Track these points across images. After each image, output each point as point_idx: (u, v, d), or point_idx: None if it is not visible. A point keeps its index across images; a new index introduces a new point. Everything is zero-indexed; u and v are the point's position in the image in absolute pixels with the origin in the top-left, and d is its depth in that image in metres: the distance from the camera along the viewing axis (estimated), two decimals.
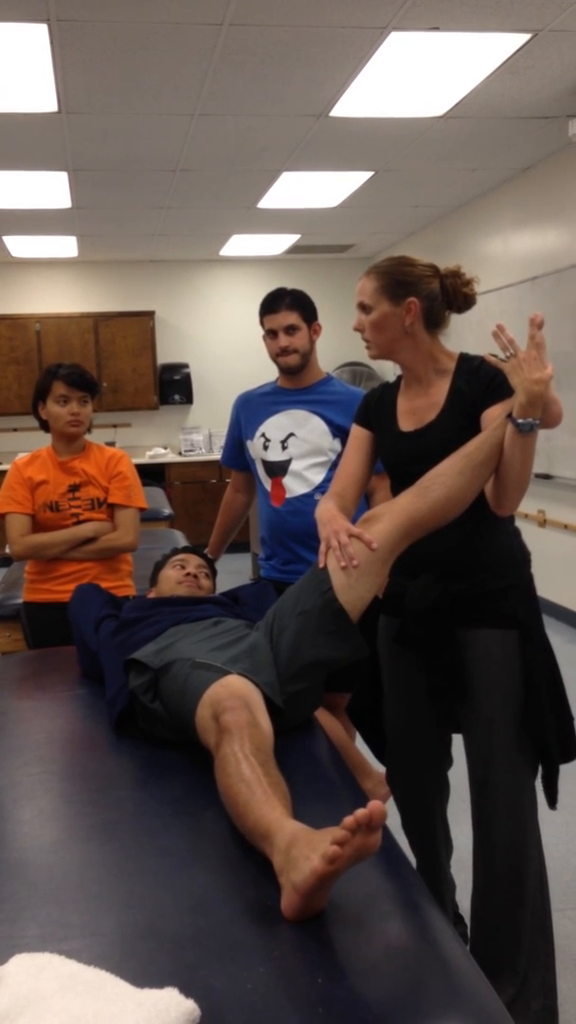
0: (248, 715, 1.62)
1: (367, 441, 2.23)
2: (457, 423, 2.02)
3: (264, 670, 1.91)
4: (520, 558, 2.09)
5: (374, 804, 1.21)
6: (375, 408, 2.23)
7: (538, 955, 2.01)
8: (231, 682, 1.76)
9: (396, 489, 2.13)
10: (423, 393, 2.11)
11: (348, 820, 1.20)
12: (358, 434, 2.26)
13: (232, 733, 1.56)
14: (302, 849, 1.25)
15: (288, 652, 1.96)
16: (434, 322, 2.09)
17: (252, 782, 1.44)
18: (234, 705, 1.65)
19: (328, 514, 2.05)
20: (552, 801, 2.05)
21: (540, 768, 2.05)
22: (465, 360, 2.10)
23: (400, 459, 2.14)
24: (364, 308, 2.09)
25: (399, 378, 2.24)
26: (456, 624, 2.03)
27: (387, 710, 2.23)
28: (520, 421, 1.86)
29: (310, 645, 1.94)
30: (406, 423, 2.13)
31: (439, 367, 2.10)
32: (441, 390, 2.07)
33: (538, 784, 2.05)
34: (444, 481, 1.92)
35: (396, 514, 1.94)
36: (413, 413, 2.12)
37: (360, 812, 1.20)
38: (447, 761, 2.27)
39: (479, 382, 2.02)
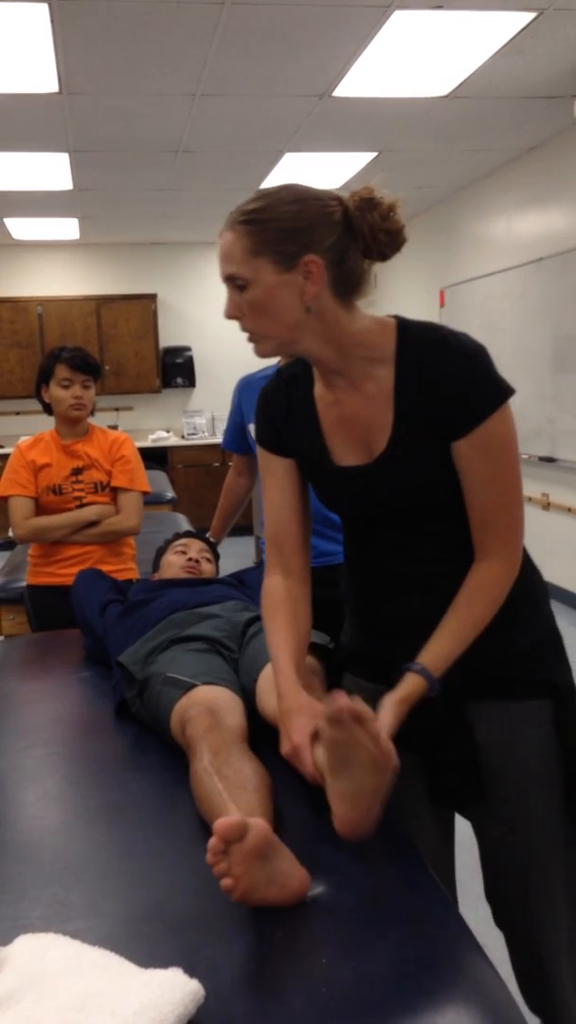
0: (208, 719, 1.63)
1: (289, 470, 1.56)
2: (418, 456, 1.40)
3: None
4: (542, 593, 1.55)
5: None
6: (283, 425, 1.53)
7: None
8: (194, 693, 1.77)
9: (350, 534, 1.58)
10: (353, 393, 1.44)
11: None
12: (272, 465, 1.57)
13: (194, 748, 1.57)
14: None
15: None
16: (349, 285, 1.38)
17: (214, 797, 1.43)
18: (195, 714, 1.66)
19: (291, 702, 1.44)
20: None
21: None
22: (410, 337, 1.40)
23: (338, 501, 1.54)
24: (235, 283, 1.36)
25: (305, 367, 1.51)
26: (469, 698, 1.49)
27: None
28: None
29: None
30: (342, 451, 1.47)
31: (370, 352, 1.41)
32: (381, 391, 1.41)
33: None
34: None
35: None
36: (348, 430, 1.46)
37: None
38: (450, 843, 1.70)
39: (439, 391, 1.37)
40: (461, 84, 4.44)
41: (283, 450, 1.55)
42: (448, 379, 1.36)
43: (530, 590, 1.51)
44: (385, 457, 1.42)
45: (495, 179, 6.47)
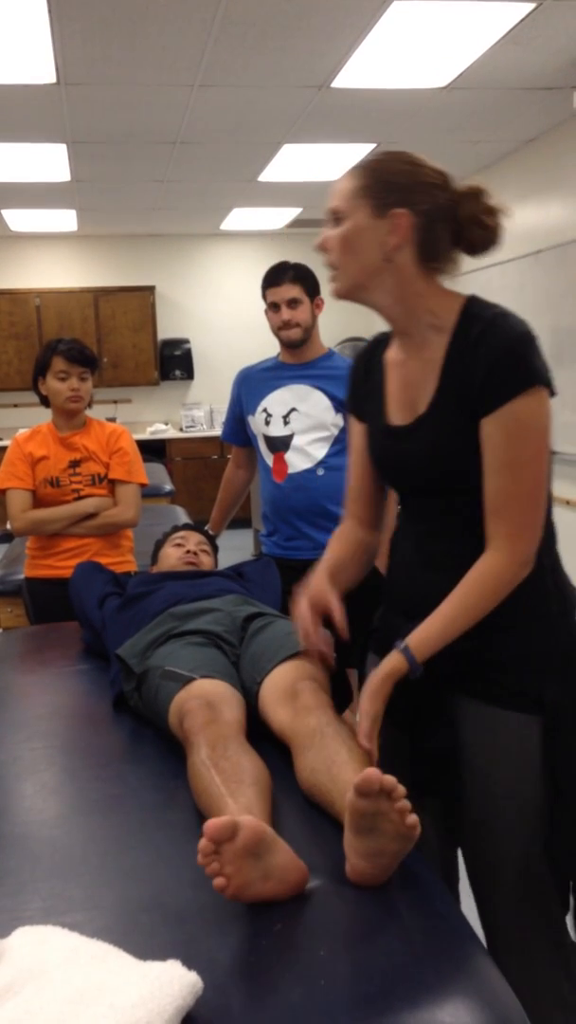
0: (206, 713, 1.63)
1: (363, 435, 1.67)
2: (449, 424, 1.45)
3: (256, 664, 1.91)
4: (558, 608, 1.48)
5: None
6: (363, 384, 1.66)
7: None
8: (192, 687, 1.77)
9: (401, 511, 1.65)
10: (414, 356, 1.51)
11: None
12: (353, 429, 1.72)
13: (191, 741, 1.57)
14: None
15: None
16: (431, 254, 1.46)
17: (211, 790, 1.43)
18: (192, 707, 1.66)
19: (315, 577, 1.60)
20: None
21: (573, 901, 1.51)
22: (473, 312, 1.45)
23: (383, 463, 1.62)
24: (335, 216, 1.48)
25: (389, 335, 1.62)
26: (458, 692, 1.50)
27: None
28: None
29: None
30: (394, 410, 1.55)
31: (435, 320, 1.47)
32: (434, 358, 1.47)
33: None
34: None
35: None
36: (405, 390, 1.54)
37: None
38: (451, 842, 1.69)
39: (477, 365, 1.41)
40: (460, 75, 4.43)
41: (359, 412, 1.67)
42: (485, 355, 1.40)
43: (542, 599, 1.47)
44: (422, 420, 1.49)
45: (494, 171, 6.45)
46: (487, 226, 1.46)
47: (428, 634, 1.43)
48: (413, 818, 1.22)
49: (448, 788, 1.52)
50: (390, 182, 1.44)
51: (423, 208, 1.43)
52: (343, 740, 1.51)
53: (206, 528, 3.09)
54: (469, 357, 1.42)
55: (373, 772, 1.21)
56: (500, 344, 1.40)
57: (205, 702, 1.68)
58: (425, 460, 1.49)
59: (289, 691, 1.73)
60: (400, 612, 1.58)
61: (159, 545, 2.72)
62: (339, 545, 1.72)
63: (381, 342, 1.63)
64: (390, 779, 1.21)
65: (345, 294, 1.50)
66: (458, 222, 1.46)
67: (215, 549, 2.74)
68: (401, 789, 1.22)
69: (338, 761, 1.46)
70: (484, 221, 1.45)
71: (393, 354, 1.58)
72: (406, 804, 1.22)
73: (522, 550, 1.43)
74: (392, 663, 1.45)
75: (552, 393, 1.43)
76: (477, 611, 1.42)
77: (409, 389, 1.52)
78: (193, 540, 2.66)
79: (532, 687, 1.45)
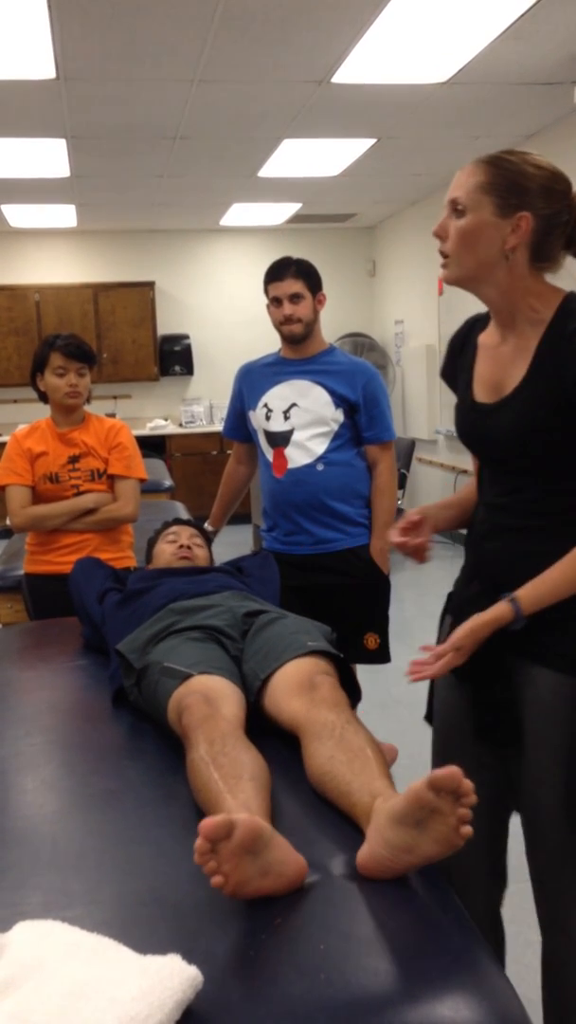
0: (205, 708, 1.63)
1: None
2: (535, 408, 1.52)
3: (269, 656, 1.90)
4: None
5: None
6: (456, 359, 1.75)
7: None
8: (191, 682, 1.77)
9: (481, 480, 1.72)
10: (509, 342, 1.60)
11: None
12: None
13: (190, 737, 1.57)
14: None
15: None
16: (542, 255, 1.53)
17: (210, 787, 1.43)
18: (191, 703, 1.66)
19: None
20: None
21: None
22: (569, 308, 1.53)
23: (468, 437, 1.69)
24: (456, 208, 1.53)
25: (487, 317, 1.70)
26: (515, 653, 1.60)
27: (433, 753, 1.82)
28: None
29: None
30: (481, 388, 1.65)
31: (535, 314, 1.55)
32: (527, 347, 1.55)
33: None
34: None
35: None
36: (493, 372, 1.62)
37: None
38: (502, 841, 1.78)
39: (571, 357, 1.48)
40: (460, 70, 4.42)
41: (452, 384, 1.75)
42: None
43: None
44: (506, 401, 1.57)
45: None
46: None
47: (539, 591, 1.52)
48: (468, 829, 1.22)
49: (507, 733, 1.63)
50: (517, 184, 1.49)
51: (544, 213, 1.49)
52: (366, 738, 1.52)
53: (205, 524, 3.09)
54: (564, 349, 1.49)
55: (457, 770, 1.21)
56: None
57: (203, 698, 1.68)
58: (503, 440, 1.57)
59: (306, 683, 1.72)
60: (472, 578, 1.70)
61: (152, 543, 2.72)
62: (460, 492, 1.85)
63: (479, 321, 1.72)
64: (469, 783, 1.21)
65: (456, 282, 1.57)
66: (573, 226, 1.53)
67: (208, 542, 2.74)
68: (472, 798, 1.22)
69: (362, 757, 1.46)
70: None
71: (487, 337, 1.66)
72: (468, 812, 1.22)
73: None
74: (498, 611, 1.53)
75: None
76: None
77: (498, 371, 1.60)
78: (185, 534, 2.66)
79: (565, 647, 1.54)
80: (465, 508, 1.80)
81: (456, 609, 1.71)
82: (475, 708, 1.68)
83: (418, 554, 1.73)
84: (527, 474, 1.57)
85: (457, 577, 1.78)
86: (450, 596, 1.79)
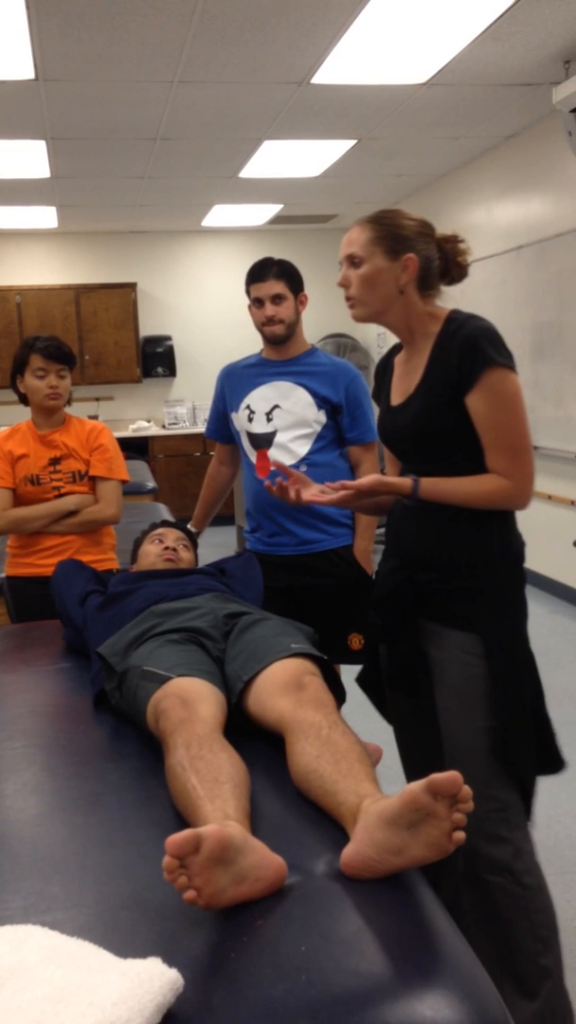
0: (180, 711, 1.62)
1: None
2: (430, 399, 1.87)
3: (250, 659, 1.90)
4: (499, 559, 1.89)
5: None
6: (382, 377, 2.12)
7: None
8: (168, 686, 1.76)
9: (400, 470, 2.05)
10: (413, 357, 1.96)
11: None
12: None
13: (167, 743, 1.56)
14: None
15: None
16: (426, 286, 1.92)
17: (188, 792, 1.43)
18: (167, 706, 1.66)
19: None
20: (527, 813, 1.88)
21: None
22: (452, 320, 1.90)
23: (383, 435, 2.05)
24: (353, 261, 1.90)
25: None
26: (426, 617, 1.93)
27: (388, 698, 2.12)
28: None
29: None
30: (395, 394, 2.01)
31: (427, 330, 1.92)
32: (423, 357, 1.92)
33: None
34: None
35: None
36: (402, 381, 1.99)
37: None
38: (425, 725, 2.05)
39: (453, 353, 1.84)
40: (440, 71, 4.43)
41: (379, 400, 2.11)
42: (458, 345, 1.83)
43: (488, 547, 1.87)
44: (409, 400, 1.93)
45: (474, 167, 6.47)
46: (460, 264, 1.94)
47: (437, 485, 1.85)
48: (460, 835, 1.23)
49: (412, 684, 1.98)
50: (398, 234, 1.88)
51: (424, 252, 1.89)
52: (353, 740, 1.52)
53: (188, 525, 3.08)
54: (448, 349, 1.85)
55: (457, 775, 1.21)
56: (469, 335, 1.82)
57: (180, 701, 1.67)
58: (407, 432, 1.93)
59: (293, 683, 1.72)
60: (391, 556, 2.02)
61: (138, 543, 2.71)
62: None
63: (395, 349, 2.09)
64: (468, 789, 1.22)
65: (365, 319, 1.95)
66: (444, 260, 1.92)
67: (194, 544, 2.73)
68: (470, 804, 1.23)
69: (349, 758, 1.46)
70: (458, 261, 1.93)
71: (400, 357, 2.05)
72: (463, 818, 1.23)
73: (518, 485, 1.84)
74: (401, 480, 1.88)
75: (514, 372, 1.83)
76: (471, 498, 1.84)
77: (406, 379, 1.97)
78: (172, 536, 2.66)
79: (471, 613, 1.86)
80: (383, 498, 2.07)
81: (378, 579, 2.03)
82: (389, 661, 2.01)
83: (284, 492, 2.01)
84: (429, 462, 1.90)
85: (380, 561, 2.08)
86: (375, 579, 2.08)
